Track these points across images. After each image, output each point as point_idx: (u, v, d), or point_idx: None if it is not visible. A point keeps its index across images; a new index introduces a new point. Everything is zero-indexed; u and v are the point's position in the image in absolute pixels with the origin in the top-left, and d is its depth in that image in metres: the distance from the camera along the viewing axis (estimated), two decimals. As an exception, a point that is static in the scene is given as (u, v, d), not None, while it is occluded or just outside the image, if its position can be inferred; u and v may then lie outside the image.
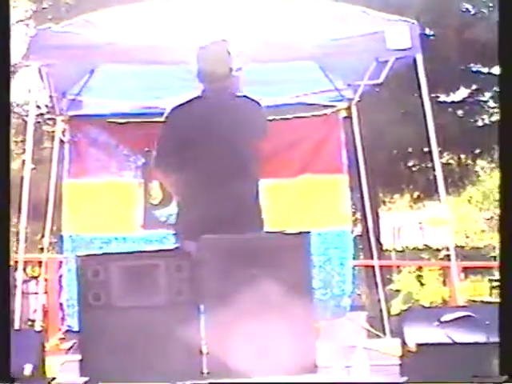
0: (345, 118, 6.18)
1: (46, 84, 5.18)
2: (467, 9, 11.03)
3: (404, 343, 3.73)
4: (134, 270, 3.89)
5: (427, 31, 10.08)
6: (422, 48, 4.73)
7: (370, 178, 6.29)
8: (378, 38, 4.66)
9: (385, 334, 5.87)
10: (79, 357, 3.86)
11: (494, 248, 17.62)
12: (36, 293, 7.26)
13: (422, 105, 4.82)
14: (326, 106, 6.18)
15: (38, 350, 3.70)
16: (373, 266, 6.73)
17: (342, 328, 5.94)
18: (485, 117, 12.02)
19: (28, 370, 3.46)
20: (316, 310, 4.28)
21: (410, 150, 12.04)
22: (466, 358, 3.53)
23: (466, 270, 12.17)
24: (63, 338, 5.82)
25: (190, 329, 3.78)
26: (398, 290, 14.27)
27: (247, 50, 4.50)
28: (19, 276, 5.02)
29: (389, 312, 6.49)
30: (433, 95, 9.23)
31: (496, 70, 10.81)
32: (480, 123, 12.03)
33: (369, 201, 6.42)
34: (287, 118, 5.99)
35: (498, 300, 3.37)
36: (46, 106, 6.66)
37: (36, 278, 7.96)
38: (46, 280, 6.73)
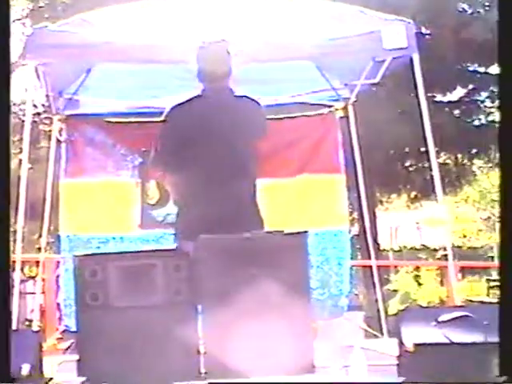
0: (341, 117, 6.17)
1: (43, 83, 5.17)
2: (464, 8, 11.04)
3: (401, 343, 3.73)
4: (131, 269, 3.90)
5: (424, 31, 10.07)
6: (419, 48, 4.73)
7: (367, 177, 6.29)
8: (375, 38, 4.66)
9: (382, 333, 5.86)
10: (77, 357, 3.86)
11: (491, 248, 17.64)
12: (33, 293, 7.25)
13: (419, 104, 4.81)
14: (322, 106, 6.18)
15: (36, 350, 3.69)
16: (370, 266, 6.74)
17: (339, 328, 5.95)
18: (481, 116, 12.03)
19: (25, 370, 3.45)
20: (314, 309, 4.28)
21: (406, 149, 12.03)
22: (464, 358, 3.53)
23: (464, 270, 12.21)
24: (61, 338, 5.81)
25: (188, 329, 3.79)
26: (395, 290, 14.29)
27: (244, 50, 4.50)
28: (16, 276, 5.01)
29: (386, 312, 6.48)
30: (429, 95, 9.24)
31: (493, 69, 10.82)
32: (477, 123, 12.04)
33: (366, 201, 6.41)
34: (284, 118, 5.99)
35: (495, 300, 3.38)
36: (43, 105, 6.68)
37: (33, 277, 7.97)
38: (43, 280, 6.73)
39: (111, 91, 5.75)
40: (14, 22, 13.10)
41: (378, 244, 12.32)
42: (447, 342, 3.64)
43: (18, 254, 4.93)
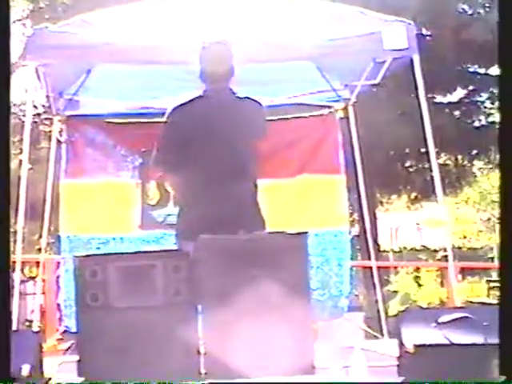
0: (342, 118, 6.18)
1: (43, 84, 5.17)
2: (464, 9, 11.03)
3: (401, 344, 3.72)
4: (131, 270, 3.89)
5: (424, 32, 10.07)
6: (419, 48, 4.73)
7: (367, 178, 6.29)
8: (375, 39, 4.66)
9: (382, 334, 5.86)
10: (77, 357, 3.86)
11: (491, 249, 17.63)
12: (34, 293, 7.25)
13: (419, 105, 4.81)
14: (322, 107, 6.18)
15: (36, 351, 3.69)
16: (370, 267, 6.74)
17: (339, 329, 5.94)
18: (482, 118, 12.02)
19: (25, 370, 3.45)
20: (314, 310, 4.28)
21: (407, 150, 12.03)
22: (464, 359, 3.53)
23: (464, 271, 12.19)
24: (61, 339, 5.81)
25: (188, 329, 3.78)
26: (395, 291, 14.28)
27: (244, 50, 4.49)
28: (17, 276, 5.02)
29: (386, 313, 6.48)
30: (430, 96, 9.24)
31: (493, 70, 10.81)
32: (477, 124, 12.03)
33: (366, 201, 6.41)
34: (284, 119, 5.99)
35: (495, 301, 3.38)
36: (43, 105, 6.68)
37: (33, 278, 7.96)
38: (43, 280, 6.73)
39: (111, 92, 5.75)
40: (14, 22, 13.10)
41: (378, 245, 12.31)
42: (447, 343, 3.63)
43: (18, 255, 4.94)
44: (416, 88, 4.79)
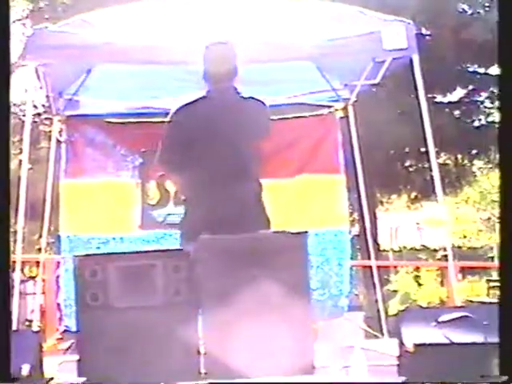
0: (341, 118, 6.17)
1: (43, 84, 5.17)
2: (464, 9, 11.03)
3: (402, 343, 3.72)
4: (131, 270, 3.89)
5: (424, 31, 10.07)
6: (419, 48, 4.72)
7: (367, 178, 6.29)
8: (375, 38, 4.66)
9: (382, 334, 5.86)
10: (77, 357, 3.86)
11: (491, 248, 17.62)
12: (33, 293, 7.25)
13: (419, 105, 4.81)
14: (322, 106, 6.18)
15: (36, 351, 3.69)
16: (370, 267, 6.74)
17: (339, 328, 5.94)
18: (482, 117, 12.02)
19: (25, 370, 3.45)
20: (314, 310, 4.28)
21: (406, 150, 12.03)
22: (464, 358, 3.53)
23: (464, 271, 12.19)
24: (61, 339, 5.81)
25: (188, 329, 3.78)
26: (395, 291, 14.28)
27: (245, 50, 4.49)
28: (17, 276, 5.02)
29: (386, 312, 6.48)
30: (429, 95, 9.23)
31: (493, 70, 10.82)
32: (477, 123, 12.04)
33: (366, 201, 6.41)
34: (284, 118, 5.98)
35: (495, 300, 3.38)
36: (43, 105, 6.68)
37: (33, 278, 7.96)
38: (43, 280, 6.73)
39: (111, 92, 5.75)
40: (14, 22, 13.10)
41: (378, 244, 12.32)
42: (447, 342, 3.63)
43: (18, 255, 4.94)
44: (416, 88, 4.78)
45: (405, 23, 4.72)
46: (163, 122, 4.75)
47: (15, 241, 4.79)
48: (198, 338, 3.83)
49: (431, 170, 5.05)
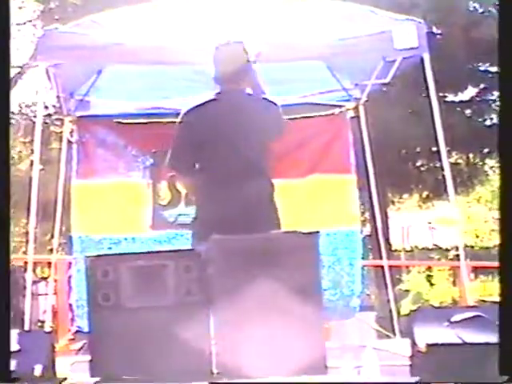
0: (352, 117, 6.16)
1: (54, 84, 5.18)
2: (474, 7, 11.00)
3: (414, 343, 3.72)
4: (143, 270, 3.88)
5: (434, 30, 10.04)
6: (430, 47, 4.71)
7: (378, 177, 6.27)
8: (386, 38, 4.65)
9: (394, 334, 5.84)
10: (89, 357, 3.86)
11: (503, 247, 17.46)
12: (45, 294, 7.28)
13: (430, 104, 4.80)
14: (333, 106, 6.15)
15: (48, 351, 3.71)
16: (382, 266, 6.72)
17: (351, 328, 5.93)
18: (493, 116, 11.98)
19: (38, 370, 3.47)
20: (325, 310, 4.27)
21: (418, 149, 12.01)
22: (476, 358, 3.52)
23: (476, 270, 12.13)
24: (73, 339, 5.83)
25: (200, 329, 3.78)
26: (407, 290, 14.23)
27: (255, 50, 4.49)
28: (29, 277, 5.03)
29: (398, 312, 6.45)
30: (440, 94, 9.20)
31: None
32: (488, 122, 11.99)
33: (377, 201, 6.39)
34: (295, 118, 5.97)
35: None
36: (54, 106, 6.69)
37: (45, 279, 7.99)
38: (55, 281, 6.75)
39: (122, 92, 5.75)
40: (24, 23, 13.17)
41: (389, 244, 12.30)
42: (460, 342, 3.62)
43: (30, 255, 4.95)
44: (427, 87, 4.77)
45: (415, 22, 4.71)
46: (174, 122, 4.75)
47: (27, 241, 4.81)
48: (210, 337, 3.82)
49: (443, 170, 5.02)
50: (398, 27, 4.66)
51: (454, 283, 12.17)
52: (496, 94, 11.76)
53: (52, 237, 6.23)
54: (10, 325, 3.37)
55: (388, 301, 6.39)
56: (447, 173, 4.93)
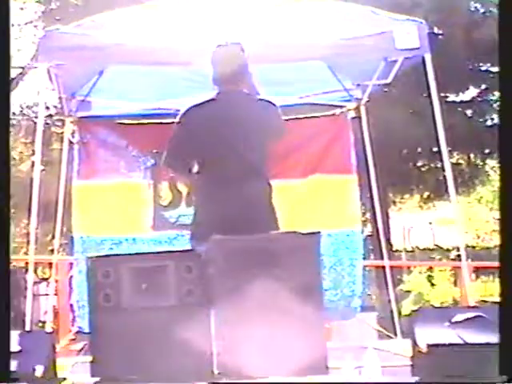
0: (353, 118, 6.15)
1: (55, 85, 5.17)
2: (476, 8, 10.99)
3: (415, 344, 3.71)
4: (144, 271, 3.89)
5: (436, 30, 10.04)
6: (431, 48, 4.70)
7: (379, 178, 6.26)
8: (387, 38, 4.64)
9: (396, 334, 5.83)
10: (90, 358, 3.86)
11: (505, 248, 17.44)
12: (46, 294, 7.28)
13: (431, 104, 4.79)
14: (334, 106, 6.15)
15: (49, 352, 3.71)
16: (383, 267, 6.71)
17: (352, 329, 5.93)
18: (494, 116, 11.97)
19: (39, 371, 3.47)
20: (326, 311, 4.27)
21: (419, 149, 12.01)
22: (478, 358, 3.51)
23: (477, 271, 12.12)
24: (74, 339, 5.82)
25: (200, 329, 3.78)
26: (408, 291, 14.22)
27: (255, 51, 4.49)
28: (30, 278, 5.03)
29: (399, 313, 6.45)
30: (442, 95, 9.21)
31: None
32: (489, 123, 11.99)
33: (378, 201, 6.38)
34: (296, 119, 5.97)
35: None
36: (55, 107, 6.68)
37: (46, 279, 8.00)
38: (56, 281, 6.74)
39: (123, 93, 5.75)
40: (26, 24, 13.18)
41: (390, 244, 12.30)
42: (461, 342, 3.62)
43: (31, 256, 4.94)
44: (428, 87, 4.76)
45: (417, 23, 4.70)
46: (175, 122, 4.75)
47: (28, 242, 4.80)
48: (211, 338, 3.82)
49: (444, 170, 5.02)
50: (399, 27, 4.65)
51: (455, 283, 12.16)
52: (497, 94, 11.75)
53: (53, 237, 6.22)
54: (11, 325, 3.36)
55: (389, 301, 6.38)
56: (448, 173, 4.92)
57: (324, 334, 3.96)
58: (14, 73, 11.79)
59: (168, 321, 3.80)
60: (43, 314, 7.25)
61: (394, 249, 13.96)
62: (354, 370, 3.78)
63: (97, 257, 4.12)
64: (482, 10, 10.92)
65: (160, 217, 5.98)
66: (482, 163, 13.07)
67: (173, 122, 4.79)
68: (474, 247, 17.74)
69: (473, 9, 10.95)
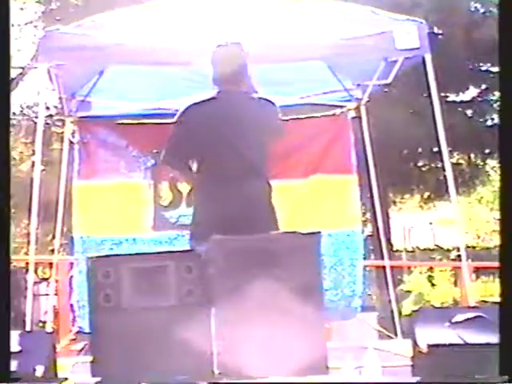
0: (354, 118, 6.14)
1: (55, 85, 5.16)
2: (476, 8, 10.99)
3: (415, 344, 3.71)
4: (144, 271, 3.89)
5: (436, 30, 10.03)
6: (431, 47, 4.70)
7: (379, 178, 6.26)
8: (387, 38, 4.63)
9: (396, 334, 5.82)
10: (90, 358, 3.86)
11: (505, 248, 17.42)
12: (47, 294, 7.28)
13: (431, 104, 4.79)
14: (334, 106, 6.14)
15: (49, 352, 3.71)
16: (383, 267, 6.70)
17: (352, 329, 5.92)
18: (494, 116, 11.97)
19: (40, 371, 3.47)
20: (327, 311, 4.26)
21: (419, 149, 12.01)
22: (478, 358, 3.51)
23: (478, 271, 12.12)
24: (74, 339, 5.82)
25: (201, 329, 3.77)
26: (408, 291, 14.22)
27: (255, 51, 4.48)
28: (30, 278, 5.02)
29: (400, 313, 6.45)
30: (442, 95, 9.20)
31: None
32: (490, 123, 11.98)
33: (379, 201, 6.37)
34: (296, 119, 5.97)
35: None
36: (55, 107, 6.67)
37: (47, 279, 7.99)
38: (56, 281, 6.73)
39: (123, 93, 5.74)
40: (26, 24, 13.18)
41: (391, 244, 12.29)
42: (461, 342, 3.61)
43: (31, 256, 4.94)
44: (428, 87, 4.75)
45: (417, 23, 4.70)
46: (175, 123, 4.75)
47: (28, 242, 4.80)
48: (211, 338, 3.82)
49: (444, 170, 5.01)
50: (399, 27, 4.64)
51: (455, 284, 12.16)
52: (498, 94, 11.74)
53: (53, 237, 6.21)
54: (11, 325, 3.36)
55: (389, 301, 6.38)
56: (448, 173, 4.92)
57: (324, 334, 3.96)
58: (14, 73, 11.80)
59: (168, 321, 3.79)
60: (43, 314, 7.25)
61: (394, 249, 13.96)
62: (355, 370, 3.78)
63: (97, 257, 4.12)
64: (482, 10, 10.91)
65: (160, 217, 5.97)
66: (482, 163, 13.06)
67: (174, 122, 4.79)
68: (474, 247, 17.73)
69: (473, 9, 10.94)
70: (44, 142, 5.05)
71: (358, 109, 6.06)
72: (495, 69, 11.34)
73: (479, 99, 11.98)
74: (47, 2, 13.20)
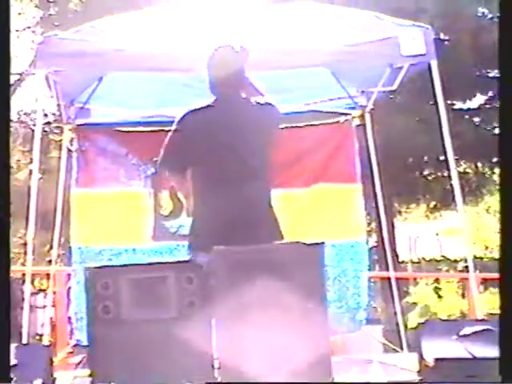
0: (358, 125, 6.12)
1: (54, 92, 5.15)
2: (483, 13, 10.93)
3: (422, 358, 3.67)
4: (143, 282, 3.85)
5: (442, 36, 9.99)
6: (437, 54, 4.66)
7: (384, 187, 6.21)
8: (392, 44, 4.61)
9: (402, 348, 5.79)
10: (88, 372, 3.82)
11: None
12: (44, 306, 7.21)
13: (438, 112, 4.74)
14: (338, 114, 6.12)
15: (47, 365, 3.69)
16: (389, 278, 6.65)
17: (357, 342, 5.87)
18: (502, 124, 11.88)
19: (38, 384, 3.43)
20: (331, 323, 4.19)
21: (425, 158, 11.97)
22: (486, 373, 3.44)
23: (486, 282, 12.04)
24: (71, 352, 5.77)
25: (202, 341, 3.72)
26: (414, 303, 14.18)
27: (259, 57, 4.43)
28: (27, 289, 4.96)
29: (405, 325, 6.39)
30: (448, 102, 9.16)
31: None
32: (497, 131, 11.91)
33: (384, 211, 6.34)
34: (300, 126, 5.94)
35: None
36: (54, 114, 6.63)
37: (44, 290, 7.92)
38: (54, 293, 6.68)
39: (123, 100, 5.73)
40: (24, 30, 13.19)
41: (396, 255, 12.23)
42: (469, 356, 3.55)
43: (28, 267, 4.89)
44: (434, 94, 4.71)
45: (423, 28, 4.67)
46: (175, 130, 4.71)
47: (25, 252, 4.75)
48: (212, 350, 3.76)
49: (451, 179, 4.98)
50: (404, 33, 4.61)
51: (462, 295, 12.10)
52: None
53: (51, 248, 6.17)
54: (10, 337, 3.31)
55: (395, 314, 6.34)
56: (455, 182, 4.87)
57: (329, 347, 3.89)
58: (11, 79, 11.80)
59: (169, 333, 3.74)
60: (40, 326, 7.19)
61: (399, 260, 13.90)
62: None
63: (95, 268, 4.09)
64: (489, 16, 10.85)
65: (160, 227, 5.94)
66: (489, 172, 12.99)
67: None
68: (481, 258, 17.65)
69: (480, 14, 10.88)
70: (42, 149, 4.99)
71: (362, 116, 6.04)
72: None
73: (487, 106, 11.92)
74: (46, 8, 13.22)
